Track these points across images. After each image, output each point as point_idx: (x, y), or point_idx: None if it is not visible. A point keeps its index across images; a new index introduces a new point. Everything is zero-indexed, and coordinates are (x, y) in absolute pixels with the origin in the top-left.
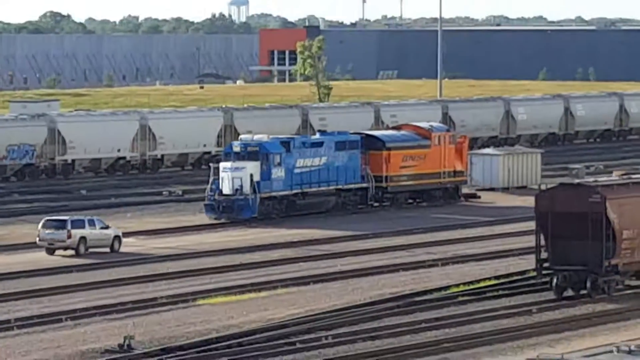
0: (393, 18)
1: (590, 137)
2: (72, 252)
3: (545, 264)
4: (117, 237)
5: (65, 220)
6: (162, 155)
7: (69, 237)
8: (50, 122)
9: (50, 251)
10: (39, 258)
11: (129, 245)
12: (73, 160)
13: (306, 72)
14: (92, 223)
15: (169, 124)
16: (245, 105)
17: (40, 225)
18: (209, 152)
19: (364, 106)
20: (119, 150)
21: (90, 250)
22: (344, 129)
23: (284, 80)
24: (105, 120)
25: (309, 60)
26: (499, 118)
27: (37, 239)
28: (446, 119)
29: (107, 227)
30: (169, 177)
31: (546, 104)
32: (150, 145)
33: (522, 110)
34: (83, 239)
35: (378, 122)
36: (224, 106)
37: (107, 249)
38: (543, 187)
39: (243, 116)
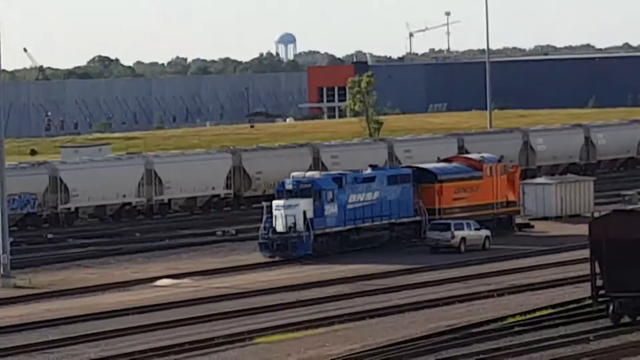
0: (440, 51)
1: (613, 166)
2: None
3: (601, 291)
4: (487, 237)
5: (449, 224)
6: (169, 200)
7: (453, 237)
8: (52, 170)
9: (435, 250)
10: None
11: (184, 286)
12: (77, 208)
13: (356, 108)
14: (469, 225)
15: (174, 168)
16: (254, 146)
17: (427, 228)
18: (218, 195)
19: (377, 142)
20: (124, 196)
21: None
22: (357, 167)
23: (333, 116)
24: (109, 166)
25: (358, 96)
26: (518, 149)
27: (425, 240)
28: (462, 152)
29: (479, 229)
30: (221, 218)
31: (565, 134)
32: (156, 189)
33: (541, 140)
34: (463, 239)
35: (392, 159)
36: (231, 147)
37: (479, 247)
38: (596, 214)
39: (252, 157)
